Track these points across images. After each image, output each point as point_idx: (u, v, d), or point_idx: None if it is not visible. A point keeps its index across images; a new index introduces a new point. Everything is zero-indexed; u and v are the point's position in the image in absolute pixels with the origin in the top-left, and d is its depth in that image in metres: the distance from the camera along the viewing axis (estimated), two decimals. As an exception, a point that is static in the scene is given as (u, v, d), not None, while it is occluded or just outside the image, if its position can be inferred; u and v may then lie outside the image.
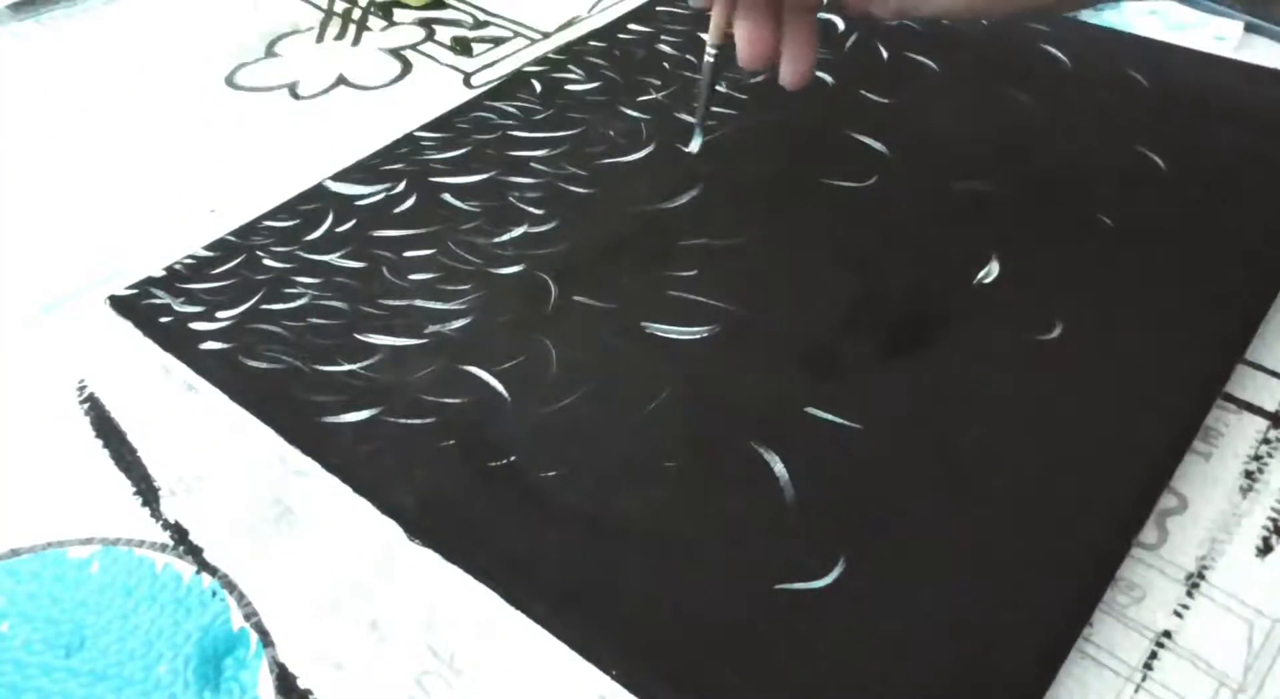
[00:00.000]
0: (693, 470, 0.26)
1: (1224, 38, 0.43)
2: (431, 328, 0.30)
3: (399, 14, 0.49)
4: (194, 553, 0.26)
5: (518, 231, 0.33)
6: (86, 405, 0.30)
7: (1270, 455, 0.27)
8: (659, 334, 0.30)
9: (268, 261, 0.33)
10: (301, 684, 0.23)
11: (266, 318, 0.31)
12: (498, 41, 0.46)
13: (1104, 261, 0.31)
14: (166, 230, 0.36)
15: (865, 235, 0.33)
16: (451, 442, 0.27)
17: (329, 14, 0.49)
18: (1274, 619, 0.24)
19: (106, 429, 0.29)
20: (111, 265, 0.34)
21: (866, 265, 0.32)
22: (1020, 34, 0.42)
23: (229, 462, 0.28)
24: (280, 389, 0.28)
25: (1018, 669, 0.22)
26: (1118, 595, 0.24)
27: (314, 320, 0.31)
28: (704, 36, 0.32)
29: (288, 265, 0.33)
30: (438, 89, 0.43)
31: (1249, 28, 0.44)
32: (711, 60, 0.33)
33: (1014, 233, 0.32)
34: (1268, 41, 0.43)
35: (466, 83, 0.43)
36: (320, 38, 0.47)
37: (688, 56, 0.42)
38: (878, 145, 0.36)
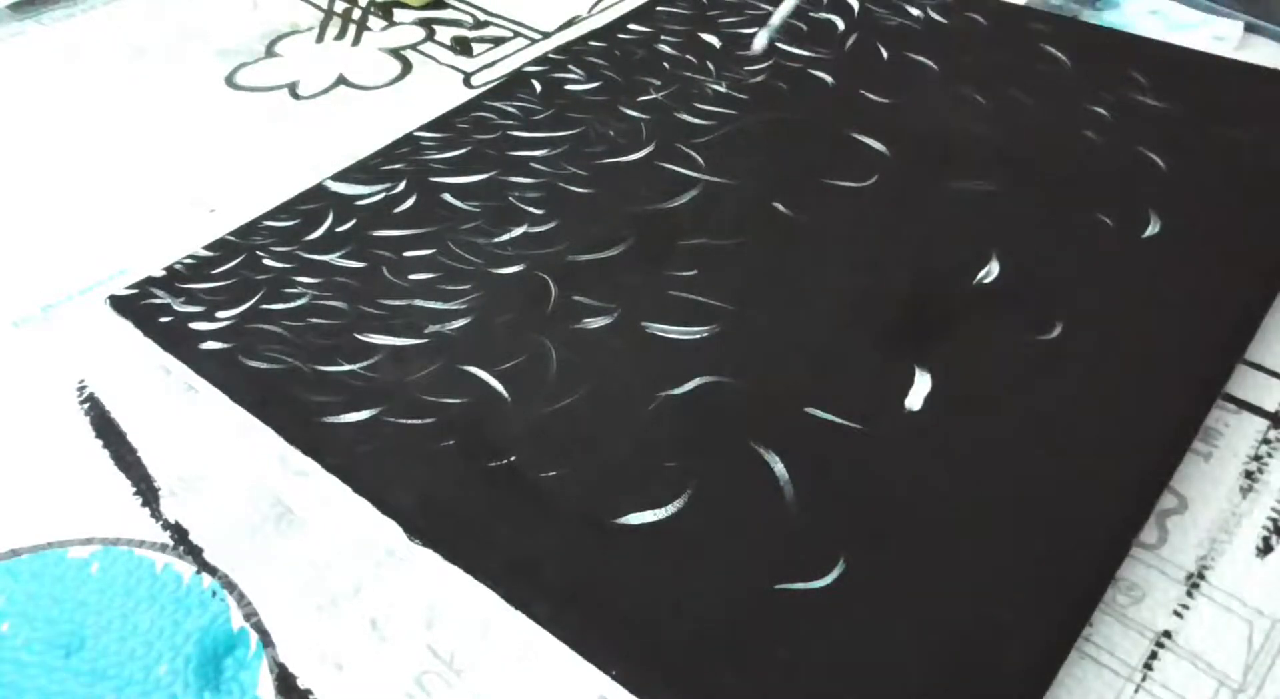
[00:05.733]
0: (692, 470, 0.26)
1: (1224, 38, 0.43)
2: (431, 328, 0.30)
3: (399, 14, 0.49)
4: (194, 553, 0.26)
5: (518, 231, 0.33)
6: (86, 405, 0.30)
7: (1270, 455, 0.27)
8: (659, 334, 0.30)
9: (268, 261, 0.33)
10: (301, 684, 0.23)
11: (266, 318, 0.31)
12: (498, 41, 0.46)
13: (1104, 261, 0.31)
14: (166, 230, 0.36)
15: (865, 235, 0.33)
16: (451, 442, 0.27)
17: (329, 14, 0.49)
18: (1274, 619, 0.24)
19: (106, 429, 0.29)
20: (111, 265, 0.35)
21: (866, 265, 0.32)
22: (1020, 34, 0.42)
23: (229, 462, 0.28)
24: (280, 389, 0.28)
25: (1018, 669, 0.22)
26: (1118, 595, 0.24)
27: (314, 320, 0.31)
28: None
29: (288, 265, 0.33)
30: (438, 89, 0.43)
31: (1249, 28, 0.44)
32: None
33: (1014, 233, 0.32)
34: (1268, 41, 0.43)
35: (466, 83, 0.43)
36: (320, 38, 0.47)
37: (688, 56, 0.42)
38: (878, 145, 0.36)
